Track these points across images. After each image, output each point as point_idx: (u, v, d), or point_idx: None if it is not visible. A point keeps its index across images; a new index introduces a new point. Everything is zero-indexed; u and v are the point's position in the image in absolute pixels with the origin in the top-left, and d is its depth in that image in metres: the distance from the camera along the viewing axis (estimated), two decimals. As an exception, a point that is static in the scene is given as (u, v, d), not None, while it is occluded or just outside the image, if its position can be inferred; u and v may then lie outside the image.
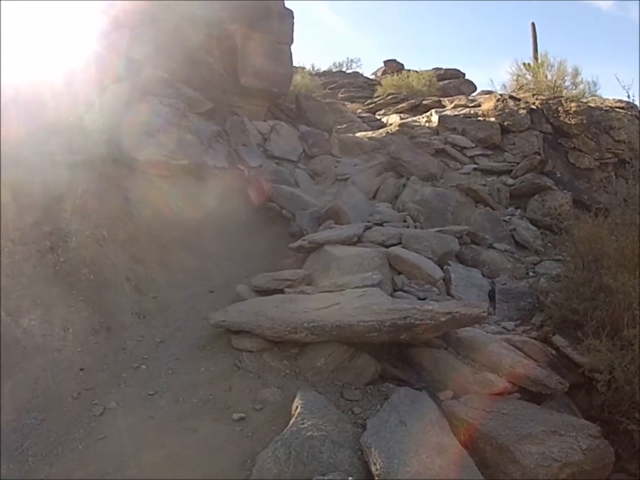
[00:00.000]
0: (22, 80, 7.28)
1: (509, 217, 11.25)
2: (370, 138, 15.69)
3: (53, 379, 5.14)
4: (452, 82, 25.18)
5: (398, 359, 5.41)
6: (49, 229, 6.40)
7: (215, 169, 10.10)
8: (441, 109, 17.45)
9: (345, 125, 17.61)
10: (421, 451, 3.87)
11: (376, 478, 3.61)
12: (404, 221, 10.04)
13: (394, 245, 8.16)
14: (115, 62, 9.18)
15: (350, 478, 3.63)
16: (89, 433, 4.53)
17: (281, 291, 6.79)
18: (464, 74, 26.68)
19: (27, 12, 8.00)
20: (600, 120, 14.50)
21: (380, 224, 9.54)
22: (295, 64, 16.36)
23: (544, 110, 14.99)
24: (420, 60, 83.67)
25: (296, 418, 4.07)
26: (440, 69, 26.15)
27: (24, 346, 5.24)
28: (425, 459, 3.80)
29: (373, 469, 3.68)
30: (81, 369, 5.37)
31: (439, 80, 23.90)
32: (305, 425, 3.95)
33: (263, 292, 6.86)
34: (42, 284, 5.86)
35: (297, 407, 4.23)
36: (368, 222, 9.45)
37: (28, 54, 7.69)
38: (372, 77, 28.96)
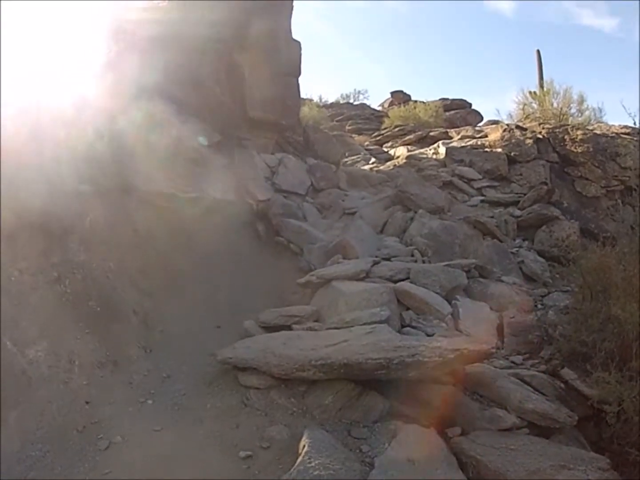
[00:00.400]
0: (31, 109, 7.30)
1: (516, 249, 11.21)
2: (377, 171, 15.70)
3: (59, 411, 5.12)
4: (459, 112, 25.31)
5: (406, 395, 5.38)
6: (56, 260, 6.38)
7: (224, 202, 10.10)
8: (448, 140, 17.47)
9: (352, 158, 17.67)
10: (430, 490, 3.85)
11: (384, 518, 3.59)
12: (412, 255, 10.00)
13: (402, 280, 8.15)
14: (125, 91, 9.20)
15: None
16: (94, 467, 4.50)
17: (289, 327, 6.80)
18: (470, 104, 26.84)
19: (36, 40, 8.05)
20: (607, 147, 14.52)
21: (388, 259, 9.53)
22: (303, 95, 16.42)
23: (550, 139, 15.00)
24: (426, 90, 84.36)
25: (303, 457, 4.04)
26: (447, 99, 26.28)
27: (30, 377, 5.21)
28: (434, 497, 3.78)
29: (381, 508, 3.65)
30: (87, 402, 5.35)
31: (445, 110, 23.99)
32: (313, 464, 3.93)
33: (271, 328, 6.87)
34: (49, 315, 5.84)
35: (304, 446, 4.21)
36: (376, 256, 9.44)
37: (38, 82, 7.72)
38: (379, 108, 29.13)
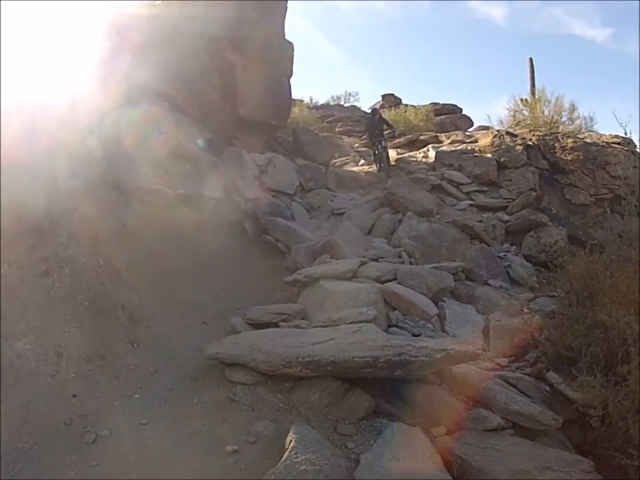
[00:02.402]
0: (25, 105, 7.28)
1: (504, 253, 11.26)
2: (366, 173, 15.76)
3: (46, 404, 5.12)
4: (449, 117, 25.32)
5: (392, 394, 5.39)
6: (44, 254, 6.37)
7: (212, 199, 10.10)
8: (438, 145, 17.51)
9: (342, 159, 17.68)
10: (415, 487, 3.86)
11: (369, 513, 3.59)
12: (399, 257, 10.05)
13: (389, 281, 8.17)
14: (116, 88, 9.16)
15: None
16: (81, 460, 4.49)
17: (275, 325, 6.80)
18: (461, 109, 26.83)
19: (29, 39, 8.03)
20: (597, 156, 14.66)
21: (376, 260, 9.55)
22: (293, 96, 16.38)
23: (541, 146, 15.09)
24: (418, 94, 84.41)
25: (290, 452, 4.04)
26: (438, 103, 26.25)
27: (18, 370, 5.22)
28: (419, 495, 3.79)
29: (366, 504, 3.66)
30: (74, 395, 5.35)
31: (436, 115, 24.01)
32: (299, 459, 3.93)
33: (257, 325, 6.86)
34: (37, 309, 5.84)
35: (290, 441, 4.21)
36: (363, 257, 9.45)
37: (30, 79, 7.69)
38: (370, 110, 29.06)
